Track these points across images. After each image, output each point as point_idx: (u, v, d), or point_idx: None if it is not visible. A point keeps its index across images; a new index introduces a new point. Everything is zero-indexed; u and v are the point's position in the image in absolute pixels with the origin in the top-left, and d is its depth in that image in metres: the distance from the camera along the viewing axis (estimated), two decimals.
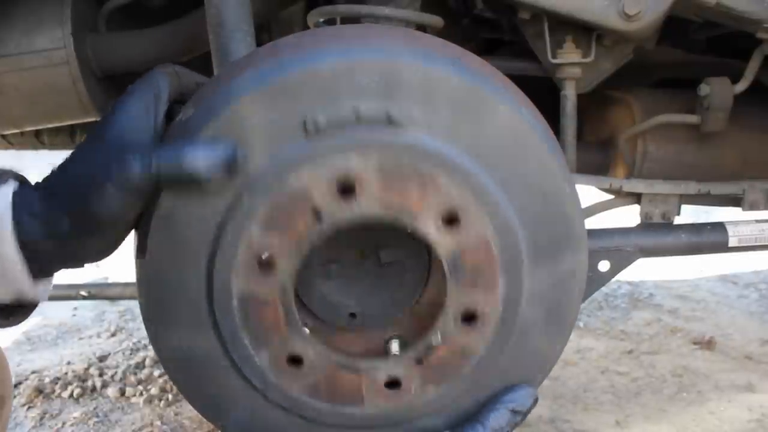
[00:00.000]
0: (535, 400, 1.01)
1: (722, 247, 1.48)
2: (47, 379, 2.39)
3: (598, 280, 1.39)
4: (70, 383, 2.37)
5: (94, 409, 2.24)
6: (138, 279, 0.96)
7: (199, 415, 2.16)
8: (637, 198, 1.50)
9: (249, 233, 0.90)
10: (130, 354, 2.62)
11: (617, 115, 1.64)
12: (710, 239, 1.48)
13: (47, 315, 2.97)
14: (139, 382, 2.38)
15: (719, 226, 1.49)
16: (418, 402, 0.99)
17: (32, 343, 2.77)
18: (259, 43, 1.26)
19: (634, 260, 1.44)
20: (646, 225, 1.49)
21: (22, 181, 0.89)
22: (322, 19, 1.37)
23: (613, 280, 1.63)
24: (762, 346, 2.58)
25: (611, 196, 1.56)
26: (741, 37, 1.38)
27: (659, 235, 1.47)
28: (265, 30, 1.66)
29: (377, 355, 1.03)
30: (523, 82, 1.07)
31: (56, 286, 2.03)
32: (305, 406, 0.99)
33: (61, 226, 0.84)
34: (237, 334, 0.94)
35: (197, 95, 0.95)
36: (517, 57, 1.58)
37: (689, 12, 1.34)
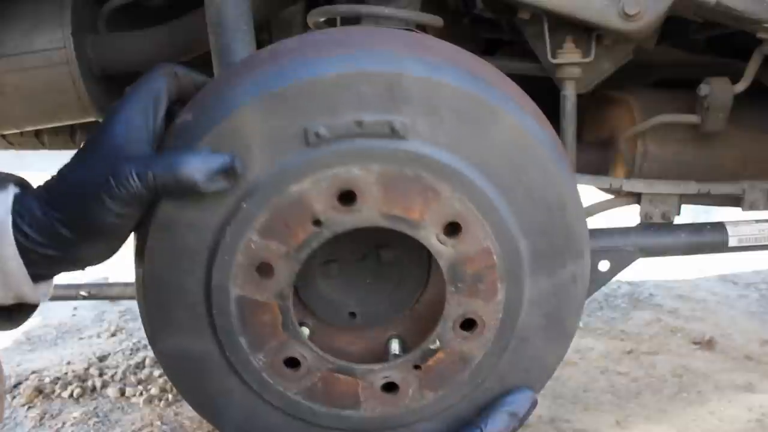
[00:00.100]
0: (534, 404, 1.01)
1: (722, 247, 1.48)
2: (47, 379, 2.39)
3: (598, 280, 1.40)
4: (70, 383, 2.37)
5: (94, 409, 2.24)
6: (137, 282, 0.97)
7: (199, 416, 2.16)
8: (637, 198, 1.50)
9: (248, 240, 0.90)
10: (130, 354, 2.62)
11: (617, 115, 1.64)
12: (710, 239, 1.48)
13: (47, 315, 2.97)
14: (139, 382, 2.38)
15: (719, 226, 1.49)
16: (416, 407, 0.99)
17: (32, 343, 2.77)
18: (259, 42, 1.26)
19: (634, 260, 1.44)
20: (646, 225, 1.49)
21: (23, 185, 0.90)
22: (322, 19, 1.37)
23: (613, 280, 1.63)
24: (762, 346, 2.58)
25: (611, 196, 1.56)
26: (741, 37, 1.37)
27: (659, 235, 1.47)
28: (265, 30, 1.66)
29: (377, 354, 1.03)
30: (523, 82, 1.07)
31: (56, 286, 2.02)
32: (302, 408, 0.99)
33: (60, 233, 0.85)
34: (234, 337, 0.95)
35: (196, 99, 0.94)
36: (517, 57, 1.58)
37: (689, 12, 1.34)
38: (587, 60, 1.43)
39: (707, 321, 2.83)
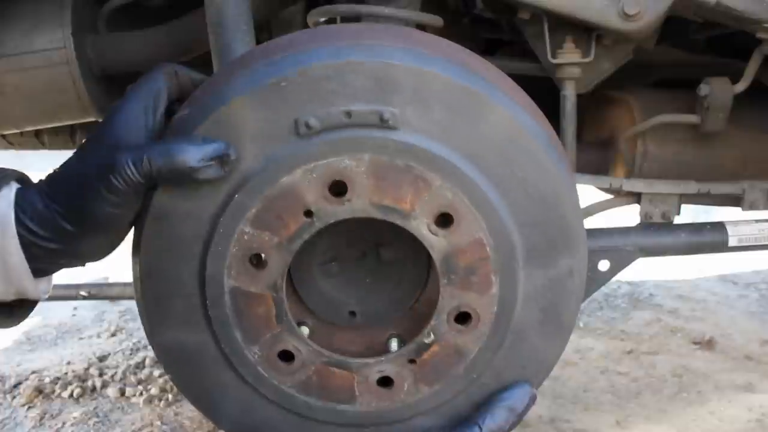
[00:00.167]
0: (533, 399, 1.01)
1: (722, 246, 1.48)
2: (47, 379, 2.39)
3: (597, 280, 1.39)
4: (70, 383, 2.37)
5: (94, 409, 2.24)
6: (134, 275, 0.98)
7: (199, 416, 2.16)
8: (636, 198, 1.50)
9: (241, 231, 0.91)
10: (130, 354, 2.62)
11: (617, 115, 1.64)
12: (710, 239, 1.48)
13: (47, 315, 2.97)
14: (139, 382, 2.38)
15: (719, 226, 1.49)
16: (411, 401, 0.99)
17: (32, 343, 2.77)
18: (259, 42, 1.26)
19: (633, 260, 1.44)
20: (646, 225, 1.49)
21: (24, 180, 0.91)
22: (322, 19, 1.37)
23: (613, 280, 1.63)
24: (762, 346, 2.58)
25: (611, 196, 1.56)
26: (741, 37, 1.38)
27: (659, 235, 1.47)
28: (265, 30, 1.66)
29: (376, 353, 1.03)
30: (523, 82, 1.07)
31: (56, 286, 2.03)
32: (297, 402, 0.99)
33: (62, 226, 0.86)
34: (229, 330, 0.96)
35: (193, 95, 0.96)
36: (517, 57, 1.58)
37: (689, 12, 1.34)
38: (587, 60, 1.43)
39: (707, 321, 2.83)
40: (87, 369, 2.47)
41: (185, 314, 0.97)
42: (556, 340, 1.02)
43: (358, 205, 0.91)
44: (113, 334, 2.82)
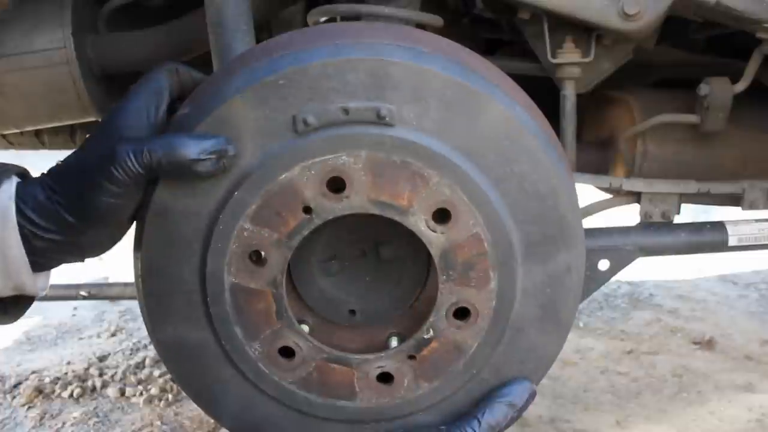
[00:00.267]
0: (533, 395, 1.01)
1: (722, 246, 1.48)
2: (47, 379, 2.40)
3: (597, 279, 1.39)
4: (70, 383, 2.37)
5: (94, 409, 2.24)
6: (135, 272, 0.98)
7: (199, 415, 2.16)
8: (636, 197, 1.50)
9: (240, 228, 0.92)
10: (130, 354, 2.62)
11: (617, 115, 1.64)
12: (710, 238, 1.48)
13: (47, 315, 2.97)
14: (139, 382, 2.38)
15: (719, 226, 1.49)
16: (411, 397, 1.00)
17: (32, 343, 2.78)
18: (259, 42, 1.26)
19: (633, 259, 1.44)
20: (646, 224, 1.49)
21: (25, 175, 0.92)
22: (322, 19, 1.37)
23: (613, 279, 1.63)
24: (762, 346, 2.58)
25: (611, 196, 1.56)
26: (741, 37, 1.38)
27: (659, 235, 1.47)
28: (265, 30, 1.66)
29: (377, 352, 1.03)
30: (523, 82, 1.07)
31: (56, 286, 2.03)
32: (298, 398, 1.00)
33: (63, 217, 0.87)
34: (229, 326, 0.96)
35: (193, 93, 0.97)
36: (517, 57, 1.58)
37: (689, 12, 1.34)
38: (587, 60, 1.43)
39: (707, 321, 2.83)
40: (87, 369, 2.47)
41: (186, 311, 0.97)
42: (555, 336, 1.02)
43: (356, 201, 0.91)
44: (113, 334, 2.82)
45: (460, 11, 1.68)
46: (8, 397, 2.32)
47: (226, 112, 0.90)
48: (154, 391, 2.30)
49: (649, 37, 1.43)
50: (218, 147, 0.88)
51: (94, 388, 2.35)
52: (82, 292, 2.11)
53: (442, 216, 0.93)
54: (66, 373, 2.44)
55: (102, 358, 2.58)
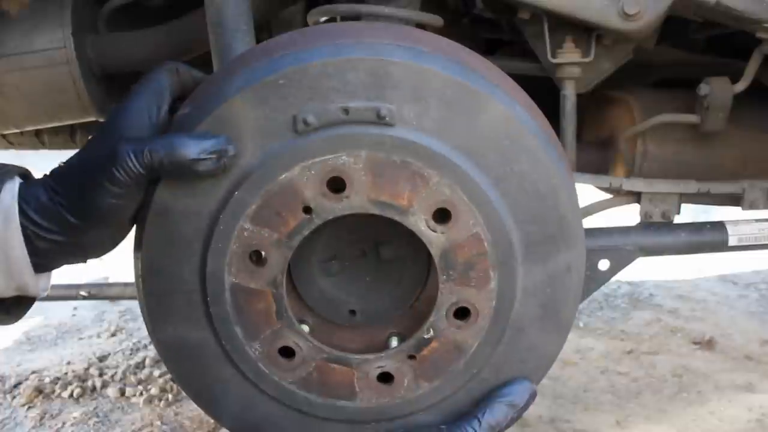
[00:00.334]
0: (533, 395, 1.01)
1: (722, 246, 1.48)
2: (47, 379, 2.40)
3: (597, 279, 1.39)
4: (70, 383, 2.37)
5: (94, 409, 2.24)
6: (136, 272, 0.98)
7: (199, 415, 2.16)
8: (636, 197, 1.50)
9: (241, 228, 0.92)
10: (130, 354, 2.62)
11: (617, 115, 1.64)
12: (710, 238, 1.48)
13: (47, 315, 2.97)
14: (139, 382, 2.38)
15: (719, 225, 1.49)
16: (412, 397, 1.00)
17: (32, 343, 2.78)
18: (259, 42, 1.26)
19: (634, 259, 1.44)
20: (646, 224, 1.49)
21: (27, 176, 0.92)
22: (322, 19, 1.37)
23: (613, 279, 1.63)
24: (762, 346, 2.59)
25: (611, 196, 1.56)
26: (741, 37, 1.38)
27: (659, 234, 1.47)
28: (265, 30, 1.66)
29: (377, 352, 1.03)
30: (523, 82, 1.07)
31: (56, 286, 2.03)
32: (298, 398, 1.00)
33: (65, 217, 0.87)
34: (230, 326, 0.96)
35: (194, 93, 0.97)
36: (517, 57, 1.58)
37: (689, 12, 1.34)
38: (587, 60, 1.43)
39: (707, 321, 2.83)
40: (87, 369, 2.47)
41: (186, 311, 0.97)
42: (555, 335, 1.02)
43: (356, 201, 0.91)
44: (113, 334, 2.82)
45: (460, 11, 1.68)
46: (8, 397, 2.33)
47: (227, 112, 0.90)
48: (154, 391, 2.30)
49: (649, 37, 1.43)
50: (218, 147, 0.88)
51: (94, 388, 2.35)
52: (82, 292, 2.10)
53: (442, 216, 0.93)
54: (66, 373, 2.44)
55: (102, 358, 2.59)
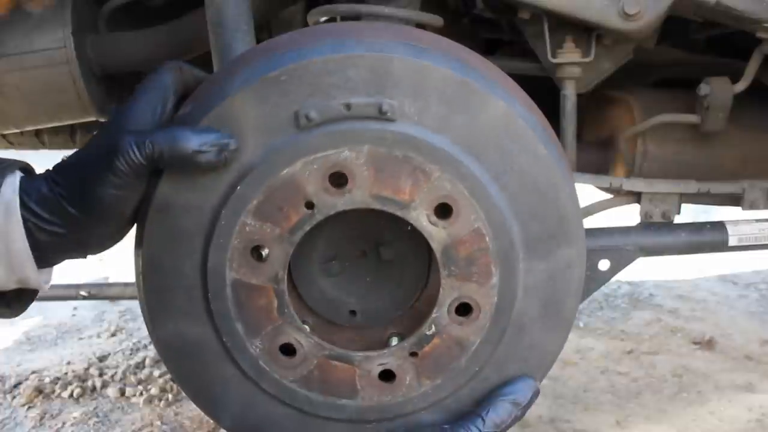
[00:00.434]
0: (536, 393, 1.00)
1: (722, 246, 1.48)
2: (47, 379, 2.40)
3: (598, 279, 1.39)
4: (70, 383, 2.37)
5: (94, 409, 2.25)
6: (136, 269, 0.98)
7: (199, 416, 2.16)
8: (637, 197, 1.50)
9: (242, 223, 0.92)
10: (130, 354, 2.62)
11: (617, 115, 1.64)
12: (710, 238, 1.48)
13: (47, 315, 2.97)
14: (139, 382, 2.38)
15: (719, 225, 1.49)
16: (414, 395, 0.99)
17: (32, 343, 2.78)
18: (259, 42, 1.27)
19: (634, 259, 1.44)
20: (646, 224, 1.49)
21: (28, 170, 0.92)
22: (322, 19, 1.37)
23: (613, 279, 1.63)
24: (762, 346, 2.59)
25: (611, 196, 1.56)
26: (741, 37, 1.38)
27: (659, 234, 1.47)
28: (265, 30, 1.66)
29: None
30: (523, 82, 1.08)
31: (56, 286, 2.04)
32: (299, 397, 0.99)
33: (66, 209, 0.87)
34: (231, 322, 0.96)
35: (196, 91, 0.97)
36: (517, 57, 1.58)
37: (689, 12, 1.34)
38: (587, 60, 1.43)
39: (707, 321, 2.83)
40: (87, 369, 2.47)
41: (187, 307, 0.97)
42: (557, 333, 1.02)
43: (358, 196, 0.92)
44: (113, 334, 2.82)
45: (460, 11, 1.68)
46: (8, 397, 2.33)
47: (228, 109, 0.90)
48: (154, 391, 2.30)
49: (649, 37, 1.43)
50: (220, 140, 0.88)
51: (94, 388, 2.35)
52: (82, 292, 2.11)
53: (443, 211, 0.93)
54: (66, 373, 2.44)
55: (102, 358, 2.59)
